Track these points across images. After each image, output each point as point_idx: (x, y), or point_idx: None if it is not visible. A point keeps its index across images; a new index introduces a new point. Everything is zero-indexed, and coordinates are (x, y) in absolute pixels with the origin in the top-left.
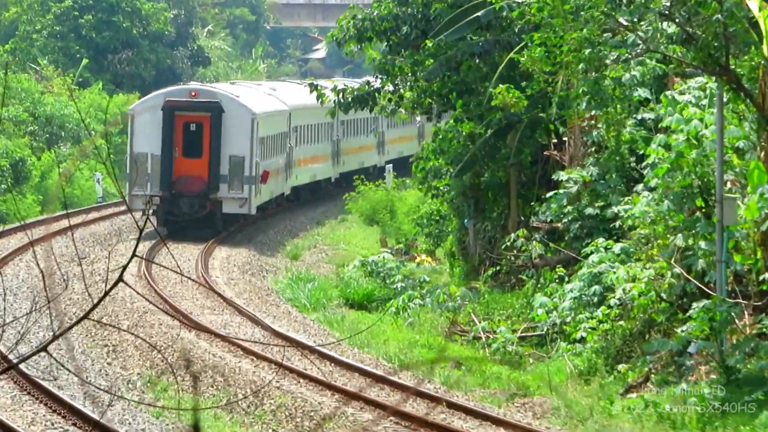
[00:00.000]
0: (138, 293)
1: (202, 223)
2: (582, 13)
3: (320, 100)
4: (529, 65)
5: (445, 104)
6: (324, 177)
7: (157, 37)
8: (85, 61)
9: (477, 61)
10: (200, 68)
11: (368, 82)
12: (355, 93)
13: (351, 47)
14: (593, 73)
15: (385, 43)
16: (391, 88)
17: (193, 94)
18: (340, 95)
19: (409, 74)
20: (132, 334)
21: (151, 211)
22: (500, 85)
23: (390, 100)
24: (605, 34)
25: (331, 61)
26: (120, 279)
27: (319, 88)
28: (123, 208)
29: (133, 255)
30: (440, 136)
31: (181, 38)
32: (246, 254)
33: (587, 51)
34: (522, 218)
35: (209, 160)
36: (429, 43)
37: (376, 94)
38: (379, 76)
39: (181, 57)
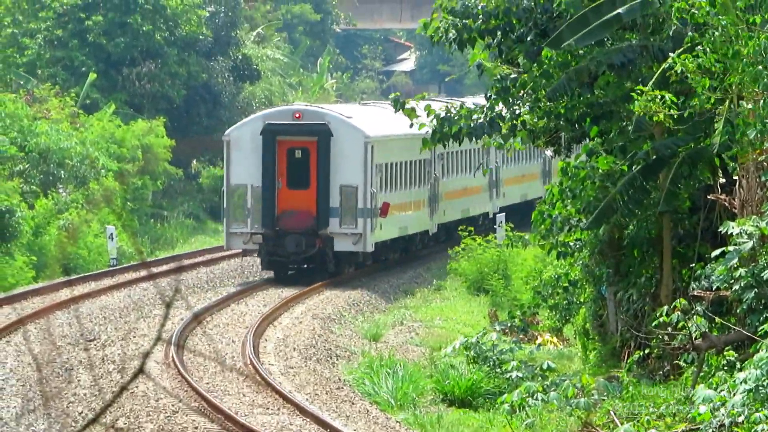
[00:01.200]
0: (164, 388)
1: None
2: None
3: (412, 124)
4: (689, 73)
5: (576, 132)
6: (417, 230)
7: (189, 44)
8: (92, 76)
9: (618, 74)
10: (246, 84)
11: (491, 107)
12: (470, 120)
13: (450, 48)
14: None
15: (495, 48)
16: (502, 109)
17: (297, 115)
18: (440, 121)
19: (529, 91)
20: None
21: (255, 253)
22: (643, 87)
23: (513, 128)
24: None
25: (423, 75)
26: (140, 370)
27: (407, 107)
28: (143, 273)
29: (158, 338)
30: (569, 175)
31: (220, 45)
32: (309, 334)
33: None
34: (679, 285)
35: (317, 192)
36: (547, 53)
37: (499, 122)
38: (492, 95)
39: (221, 70)
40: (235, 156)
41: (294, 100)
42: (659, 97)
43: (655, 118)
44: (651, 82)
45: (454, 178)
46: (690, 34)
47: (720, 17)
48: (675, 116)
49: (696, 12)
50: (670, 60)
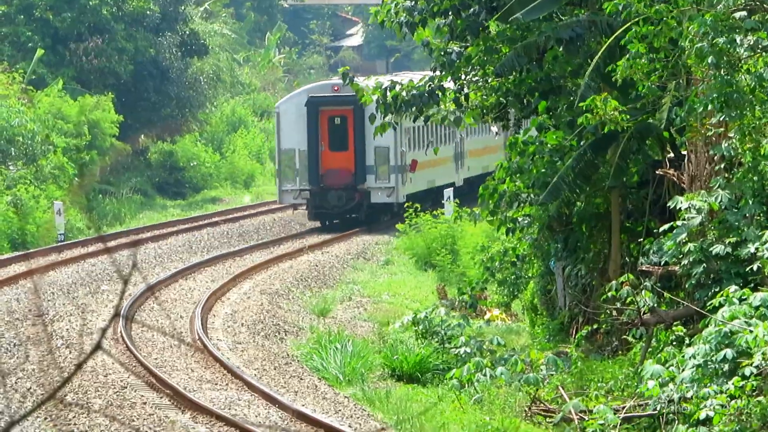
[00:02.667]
0: (118, 362)
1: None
2: None
3: (361, 99)
4: (630, 74)
5: (525, 108)
6: (444, 183)
7: (136, 20)
8: (39, 51)
9: (566, 49)
10: (195, 59)
11: (432, 78)
12: (410, 91)
13: (400, 33)
14: (721, 71)
15: (445, 28)
16: (452, 85)
17: (336, 88)
18: (386, 95)
19: (477, 67)
20: (108, 416)
21: (304, 206)
22: (593, 95)
23: (457, 101)
24: (739, 14)
25: (370, 50)
26: (98, 346)
27: (355, 81)
28: (92, 248)
29: (116, 314)
30: (517, 150)
31: (168, 21)
32: (257, 309)
33: (716, 40)
34: (627, 260)
35: (355, 152)
36: (494, 26)
37: (439, 94)
38: (438, 70)
39: (169, 45)
40: (285, 125)
41: (241, 76)
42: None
43: (608, 128)
44: (597, 57)
45: (476, 138)
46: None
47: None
48: (626, 112)
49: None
50: (612, 38)
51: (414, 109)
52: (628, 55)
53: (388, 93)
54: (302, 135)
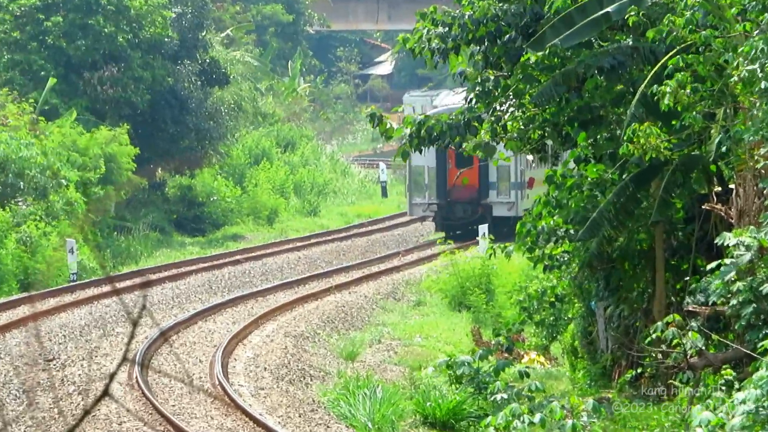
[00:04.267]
0: (128, 410)
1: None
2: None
3: (384, 135)
4: (672, 103)
5: (564, 139)
6: None
7: (154, 47)
8: (52, 81)
9: (607, 77)
10: (215, 89)
11: (469, 109)
12: (446, 121)
13: (431, 61)
14: None
15: (480, 55)
16: (485, 116)
17: None
18: (420, 128)
19: (512, 97)
20: None
21: (431, 218)
22: (636, 123)
23: (493, 132)
24: None
25: (400, 78)
26: (105, 392)
27: (384, 121)
28: (106, 288)
29: (124, 358)
30: (556, 184)
31: (187, 48)
32: (280, 353)
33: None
34: (673, 300)
35: (479, 170)
36: (531, 57)
37: (476, 125)
38: (474, 99)
39: (188, 74)
40: None
41: (264, 106)
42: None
43: (649, 156)
44: (641, 87)
45: None
46: (674, 54)
47: (715, 26)
48: (670, 142)
49: (690, 26)
50: (659, 66)
51: (448, 140)
52: (669, 86)
53: (422, 126)
54: (431, 152)
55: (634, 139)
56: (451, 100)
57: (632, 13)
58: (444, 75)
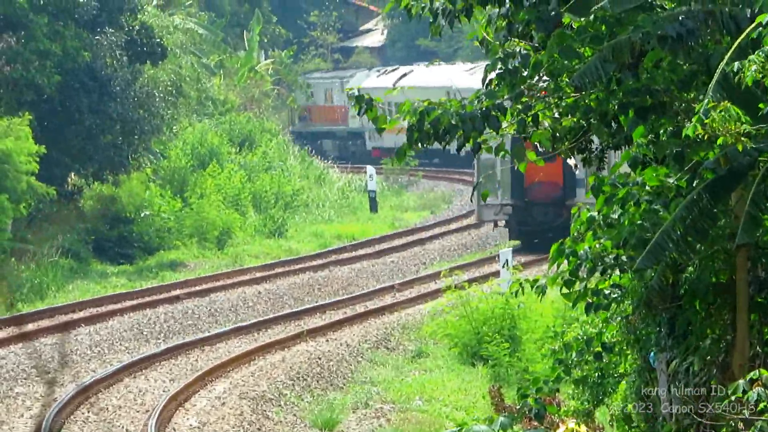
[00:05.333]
0: None
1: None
2: None
3: (376, 126)
4: (762, 77)
5: (613, 134)
6: None
7: (64, 11)
8: None
9: (672, 50)
10: (147, 66)
11: (487, 94)
12: (457, 110)
13: (437, 24)
14: None
15: (501, 20)
16: (509, 104)
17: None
18: (423, 120)
19: (547, 77)
20: None
21: (503, 223)
22: (710, 100)
23: (521, 125)
24: None
25: (395, 51)
26: None
27: (374, 107)
28: (1, 334)
29: (37, 429)
30: (603, 194)
31: (109, 11)
32: (234, 421)
33: None
34: (759, 350)
35: (563, 163)
36: (570, 23)
37: (497, 115)
38: (492, 77)
39: (110, 46)
40: None
41: (212, 90)
42: (727, 112)
43: (720, 140)
44: (722, 63)
45: None
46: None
47: None
48: (751, 132)
49: None
50: (742, 37)
51: (461, 136)
52: (755, 61)
53: (426, 116)
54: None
55: (707, 123)
56: (375, 83)
57: None
58: (454, 47)
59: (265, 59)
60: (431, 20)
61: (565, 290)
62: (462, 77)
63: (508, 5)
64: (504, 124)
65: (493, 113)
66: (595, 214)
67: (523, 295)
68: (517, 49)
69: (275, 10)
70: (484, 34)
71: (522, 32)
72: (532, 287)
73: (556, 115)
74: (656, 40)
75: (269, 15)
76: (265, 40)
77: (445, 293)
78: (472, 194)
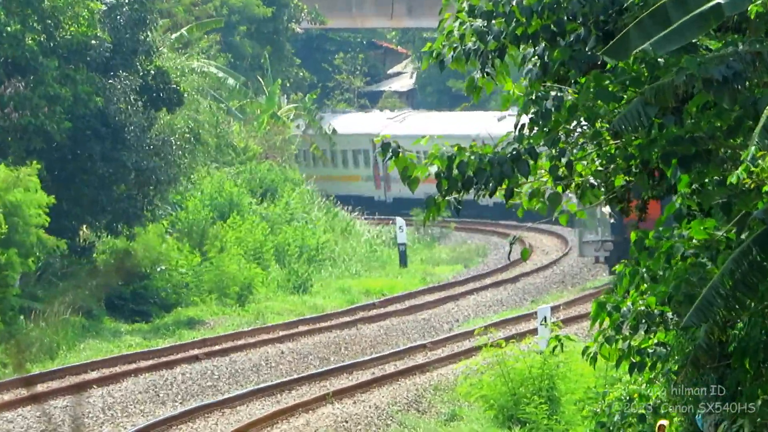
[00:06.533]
0: None
1: None
2: None
3: (406, 180)
4: None
5: (656, 183)
6: None
7: (76, 53)
8: None
9: (718, 93)
10: (163, 112)
11: (519, 138)
12: (488, 154)
13: (465, 64)
14: None
15: (535, 60)
16: (542, 147)
17: None
18: (451, 165)
19: (585, 121)
20: None
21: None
22: (756, 146)
23: (554, 171)
24: None
25: (425, 96)
26: None
27: (403, 155)
28: (9, 396)
29: None
30: (646, 249)
31: (122, 54)
32: None
33: None
34: None
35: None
36: (608, 64)
37: (529, 160)
38: (523, 127)
39: (124, 91)
40: None
41: (232, 133)
42: None
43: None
44: (766, 113)
45: None
46: None
47: None
48: None
49: None
50: None
51: (491, 183)
52: None
53: (454, 162)
54: None
55: (755, 171)
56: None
57: (757, 2)
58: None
59: (287, 102)
60: (463, 63)
61: (606, 348)
62: (492, 124)
63: (543, 44)
64: (539, 173)
65: (524, 157)
66: (639, 268)
67: (562, 353)
68: (552, 92)
69: (298, 53)
70: (507, 88)
71: (556, 73)
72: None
73: (596, 165)
74: (701, 83)
75: (292, 58)
76: (288, 84)
77: (480, 352)
78: (510, 251)
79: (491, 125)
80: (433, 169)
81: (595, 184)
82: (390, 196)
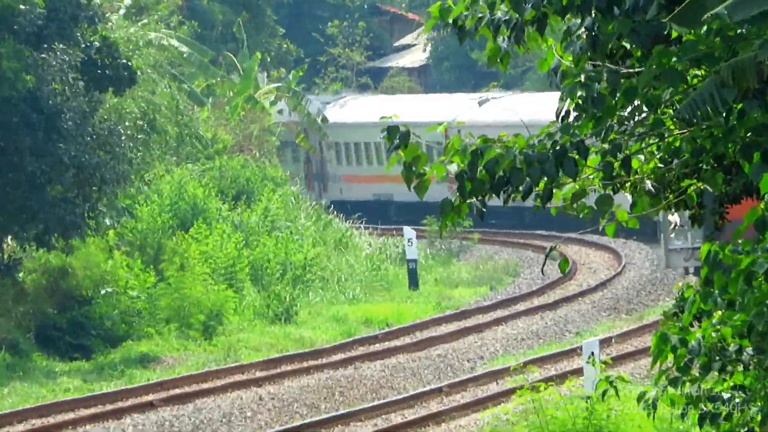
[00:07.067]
0: None
1: None
2: None
3: (414, 178)
4: None
5: (733, 182)
6: None
7: (0, 21)
8: None
9: None
10: (109, 94)
11: (563, 128)
12: (522, 150)
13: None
14: None
15: (582, 35)
16: (590, 139)
17: None
18: (476, 163)
19: (644, 108)
20: None
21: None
22: None
23: (607, 169)
24: None
25: (442, 73)
26: None
27: (413, 143)
28: None
29: None
30: (722, 272)
31: (59, 23)
32: None
33: None
34: None
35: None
36: (675, 35)
37: (576, 157)
38: (568, 108)
39: (61, 68)
40: None
41: (197, 120)
42: None
43: None
44: None
45: None
46: None
47: None
48: None
49: None
50: None
51: (526, 185)
52: None
53: (480, 159)
54: None
55: None
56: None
57: None
58: (522, 67)
59: (267, 82)
60: (490, 38)
61: (670, 392)
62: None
63: (594, 14)
64: (586, 172)
65: (570, 154)
66: (713, 290)
67: (614, 399)
68: (603, 73)
69: (282, 20)
70: (559, 59)
71: (609, 50)
72: (626, 387)
73: (658, 161)
74: None
75: (274, 26)
76: (269, 60)
77: (511, 397)
78: (544, 263)
79: (472, 110)
80: (453, 167)
81: (653, 186)
82: (327, 199)
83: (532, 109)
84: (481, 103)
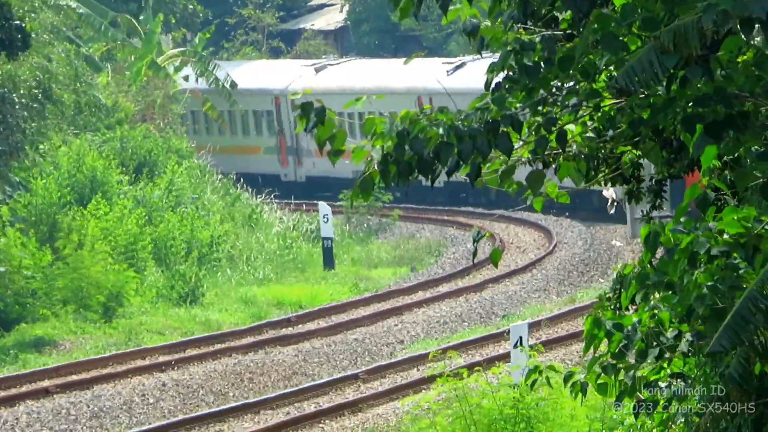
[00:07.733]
0: None
1: None
2: None
3: (330, 152)
4: None
5: (674, 158)
6: None
7: None
8: None
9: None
10: (1, 60)
11: (496, 100)
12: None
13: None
14: None
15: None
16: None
17: None
18: (402, 142)
19: (581, 78)
20: None
21: None
22: None
23: (541, 143)
24: None
25: (360, 36)
26: None
27: (329, 120)
28: None
29: None
30: (661, 248)
31: None
32: None
33: None
34: None
35: None
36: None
37: (508, 131)
38: (498, 79)
39: None
40: None
41: (96, 87)
42: None
43: None
44: None
45: None
46: None
47: None
48: None
49: None
50: None
51: (454, 161)
52: None
53: (407, 137)
54: None
55: None
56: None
57: None
58: (444, 30)
59: (171, 45)
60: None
61: (602, 379)
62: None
63: None
64: (517, 144)
65: (503, 128)
66: (650, 272)
67: (544, 388)
68: (538, 39)
69: None
70: (473, 21)
71: (541, 16)
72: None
73: (593, 133)
74: (737, 23)
75: None
76: (173, 21)
77: (433, 384)
78: (474, 254)
79: (441, 77)
80: (377, 152)
81: (584, 155)
82: (302, 173)
83: (372, 76)
84: (318, 70)
